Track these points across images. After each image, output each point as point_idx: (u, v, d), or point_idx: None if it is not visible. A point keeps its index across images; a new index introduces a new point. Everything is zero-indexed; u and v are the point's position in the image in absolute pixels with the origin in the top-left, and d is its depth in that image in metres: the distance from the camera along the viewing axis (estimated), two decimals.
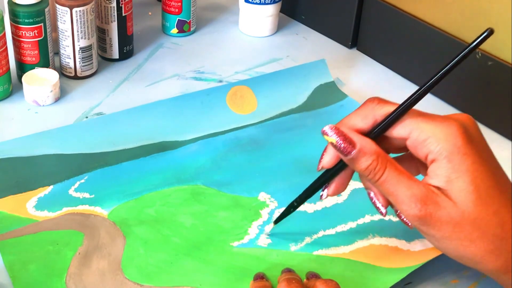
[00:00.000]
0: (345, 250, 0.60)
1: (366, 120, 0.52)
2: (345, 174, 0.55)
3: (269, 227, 0.62)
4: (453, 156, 0.48)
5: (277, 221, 0.61)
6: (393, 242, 0.61)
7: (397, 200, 0.50)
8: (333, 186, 0.55)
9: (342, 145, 0.50)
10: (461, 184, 0.48)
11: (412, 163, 0.54)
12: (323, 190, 0.56)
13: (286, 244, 0.61)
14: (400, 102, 0.52)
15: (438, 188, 0.49)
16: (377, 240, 0.61)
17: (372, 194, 0.54)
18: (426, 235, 0.51)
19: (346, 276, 0.58)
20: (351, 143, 0.50)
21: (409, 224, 0.52)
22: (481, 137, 0.51)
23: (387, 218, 0.64)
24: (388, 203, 0.53)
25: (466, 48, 0.49)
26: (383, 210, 0.54)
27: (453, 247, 0.50)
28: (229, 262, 0.59)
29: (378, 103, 0.52)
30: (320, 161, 0.54)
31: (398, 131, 0.51)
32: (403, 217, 0.52)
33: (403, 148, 0.53)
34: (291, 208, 0.59)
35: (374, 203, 0.54)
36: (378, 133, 0.52)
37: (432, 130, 0.49)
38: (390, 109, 0.51)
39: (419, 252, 0.60)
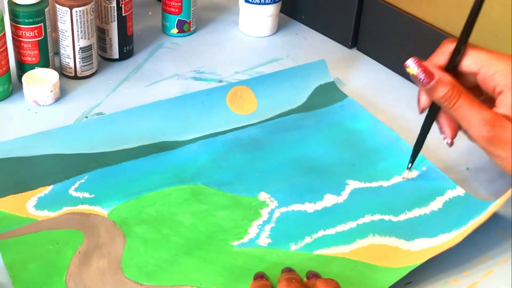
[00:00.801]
0: (345, 250, 0.60)
1: (443, 57, 0.61)
2: (449, 116, 0.62)
3: (406, 173, 0.66)
4: None
5: (412, 162, 0.67)
6: (393, 241, 0.61)
7: (469, 123, 0.58)
8: (448, 131, 0.63)
9: (422, 76, 0.59)
10: None
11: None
12: (445, 139, 0.63)
13: (286, 244, 0.61)
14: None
15: (504, 116, 0.58)
16: (377, 240, 0.61)
17: (443, 124, 0.62)
18: (492, 155, 0.59)
19: (346, 276, 0.58)
20: (430, 75, 0.59)
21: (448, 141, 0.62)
22: None
23: (387, 218, 0.64)
24: (455, 135, 0.62)
25: None
26: (449, 140, 0.62)
27: None
28: (230, 261, 0.59)
29: (452, 42, 0.61)
30: (418, 104, 0.63)
31: (469, 67, 0.60)
32: (446, 139, 0.62)
33: (473, 86, 0.61)
34: (418, 147, 0.66)
35: (443, 131, 0.63)
36: (452, 66, 0.60)
37: (499, 65, 0.59)
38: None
39: (419, 251, 0.60)
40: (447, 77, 0.59)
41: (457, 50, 0.61)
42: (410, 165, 0.67)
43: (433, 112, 0.64)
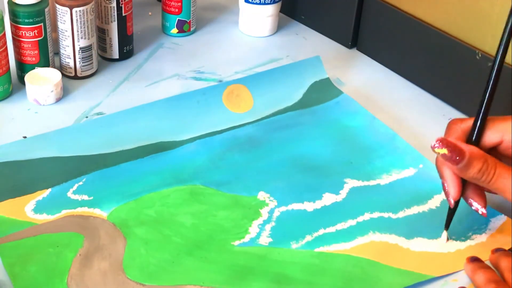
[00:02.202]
0: (346, 247, 0.61)
1: (459, 137, 0.58)
2: (480, 192, 0.59)
3: (444, 235, 0.62)
4: None
5: (447, 226, 0.62)
6: (393, 239, 0.62)
7: (510, 194, 0.55)
8: (477, 200, 0.59)
9: (453, 155, 0.55)
10: None
11: None
12: (477, 211, 0.60)
13: (287, 242, 0.61)
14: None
15: None
16: (377, 237, 0.62)
17: (473, 202, 0.59)
18: None
19: (348, 272, 0.59)
20: (461, 151, 0.55)
21: (484, 212, 0.59)
22: None
23: (386, 215, 0.64)
24: (486, 203, 0.59)
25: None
26: (484, 211, 0.58)
27: None
28: (231, 260, 0.59)
29: (462, 121, 0.59)
30: (448, 197, 0.59)
31: (491, 138, 0.58)
32: (480, 210, 0.58)
33: (495, 155, 0.58)
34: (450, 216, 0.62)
35: (472, 205, 0.59)
36: (476, 139, 0.58)
37: None
38: (470, 122, 0.58)
39: (419, 254, 0.61)
40: (477, 150, 0.56)
41: (477, 126, 0.58)
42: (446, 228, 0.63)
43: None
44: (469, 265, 0.58)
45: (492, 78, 0.58)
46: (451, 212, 0.61)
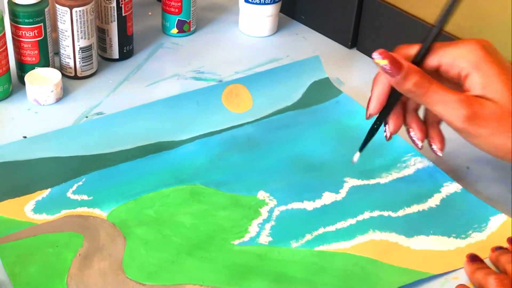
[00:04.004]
0: (346, 246, 0.61)
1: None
2: (397, 112, 0.62)
3: (357, 156, 0.65)
4: (481, 65, 0.57)
5: (362, 149, 0.65)
6: (393, 237, 0.62)
7: (445, 106, 0.57)
8: (391, 125, 0.63)
9: (391, 66, 0.58)
10: (495, 85, 0.56)
11: None
12: (385, 132, 0.63)
13: (287, 242, 0.61)
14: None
15: (478, 96, 0.57)
16: (377, 236, 0.62)
17: (410, 129, 0.62)
18: (474, 137, 0.58)
19: (348, 271, 0.59)
20: (400, 64, 0.58)
21: (439, 153, 0.62)
22: (496, 50, 0.59)
23: (386, 214, 0.64)
24: (425, 137, 0.62)
25: None
26: (419, 143, 0.62)
27: (500, 141, 0.57)
28: (231, 260, 0.59)
29: (407, 47, 0.61)
30: (367, 110, 0.63)
31: (430, 64, 0.60)
32: (433, 147, 0.62)
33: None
34: (367, 137, 0.65)
35: (411, 137, 0.62)
36: (418, 60, 0.60)
37: (457, 51, 0.58)
38: (416, 49, 0.60)
39: (420, 252, 0.61)
40: (415, 67, 0.59)
41: (423, 51, 0.60)
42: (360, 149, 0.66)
43: (381, 116, 0.63)
44: (469, 266, 0.58)
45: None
46: (370, 133, 0.64)
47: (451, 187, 0.67)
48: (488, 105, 0.57)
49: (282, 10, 0.93)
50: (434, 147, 0.63)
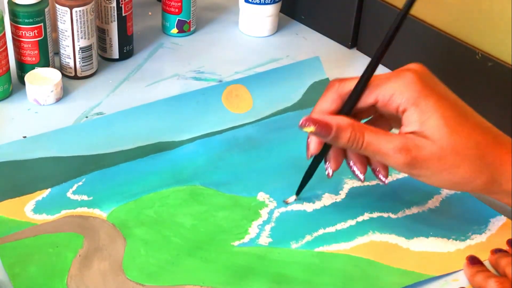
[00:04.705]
0: (346, 247, 0.61)
1: (334, 101, 0.58)
2: (337, 150, 0.61)
3: (292, 198, 0.65)
4: (418, 100, 0.55)
5: (298, 192, 0.65)
6: (393, 238, 0.62)
7: (384, 156, 0.56)
8: (332, 162, 0.61)
9: (321, 130, 0.56)
10: (433, 122, 0.55)
11: (383, 121, 0.60)
12: (326, 170, 0.61)
13: (287, 242, 0.61)
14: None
15: (414, 133, 0.55)
16: (377, 237, 0.62)
17: (351, 163, 0.60)
18: (419, 177, 0.57)
19: (348, 272, 0.59)
20: (328, 126, 0.56)
21: (385, 181, 0.60)
22: (435, 78, 0.57)
23: (386, 215, 0.64)
24: (366, 170, 0.60)
25: (404, 9, 0.58)
26: (361, 176, 0.60)
27: (446, 178, 0.56)
28: (231, 261, 0.59)
29: (340, 83, 0.58)
30: (307, 150, 0.61)
31: (366, 101, 0.57)
32: (380, 175, 0.60)
33: (373, 113, 0.60)
34: (303, 181, 0.64)
35: (353, 171, 0.60)
36: (349, 108, 0.58)
37: (393, 86, 0.56)
38: (352, 84, 0.58)
39: (419, 254, 0.61)
40: (344, 121, 0.56)
41: (358, 90, 0.57)
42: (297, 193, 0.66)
43: (322, 153, 0.61)
44: (469, 268, 0.58)
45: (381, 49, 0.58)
46: (308, 175, 0.63)
47: None
48: (426, 146, 0.55)
49: (282, 10, 0.93)
50: (380, 176, 0.60)
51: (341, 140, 0.56)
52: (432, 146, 0.55)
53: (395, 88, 0.56)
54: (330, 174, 0.61)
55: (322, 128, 0.56)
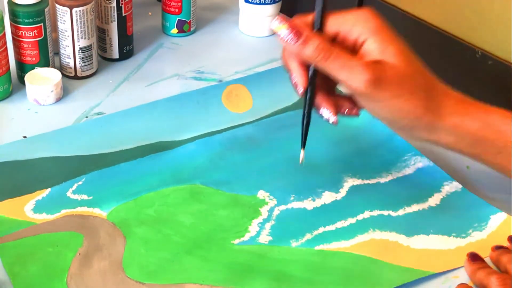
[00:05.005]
0: (346, 245, 0.61)
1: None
2: (330, 98, 0.61)
3: (302, 154, 0.62)
4: (378, 30, 0.57)
5: (304, 145, 0.63)
6: (393, 236, 0.62)
7: (349, 71, 0.56)
8: (329, 109, 0.60)
9: (292, 33, 0.56)
10: (392, 49, 0.57)
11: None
12: (327, 119, 0.61)
13: (287, 241, 0.61)
14: None
15: (375, 60, 0.57)
16: (377, 235, 0.62)
17: (324, 110, 0.60)
18: (375, 101, 0.57)
19: (348, 270, 0.59)
20: (299, 30, 0.57)
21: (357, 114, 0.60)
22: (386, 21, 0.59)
23: (386, 213, 0.64)
24: (335, 110, 0.60)
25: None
26: (333, 118, 0.60)
27: (399, 105, 0.57)
28: (231, 259, 0.59)
29: (303, 16, 0.59)
30: (296, 88, 0.60)
31: (329, 30, 0.59)
32: (331, 119, 0.60)
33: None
34: (304, 129, 0.63)
35: (323, 115, 0.60)
36: (317, 28, 0.59)
37: (354, 18, 0.58)
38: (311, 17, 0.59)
39: (420, 251, 0.61)
40: (315, 34, 0.57)
41: (318, 17, 0.59)
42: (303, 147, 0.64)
43: (312, 90, 0.61)
44: (470, 265, 0.58)
45: None
46: (306, 124, 0.62)
47: (451, 186, 0.67)
48: (388, 69, 0.57)
49: (282, 10, 0.93)
50: (352, 112, 0.62)
51: (309, 46, 0.56)
52: (393, 70, 0.57)
53: (357, 19, 0.58)
54: (331, 119, 0.60)
55: (293, 29, 0.57)
